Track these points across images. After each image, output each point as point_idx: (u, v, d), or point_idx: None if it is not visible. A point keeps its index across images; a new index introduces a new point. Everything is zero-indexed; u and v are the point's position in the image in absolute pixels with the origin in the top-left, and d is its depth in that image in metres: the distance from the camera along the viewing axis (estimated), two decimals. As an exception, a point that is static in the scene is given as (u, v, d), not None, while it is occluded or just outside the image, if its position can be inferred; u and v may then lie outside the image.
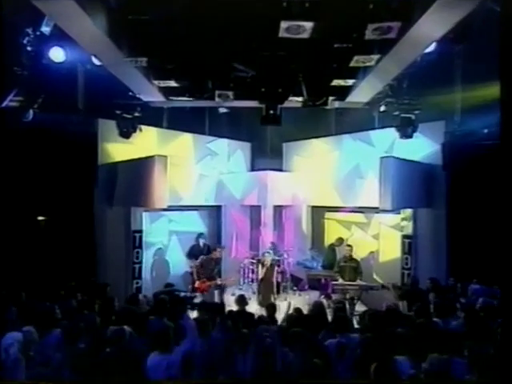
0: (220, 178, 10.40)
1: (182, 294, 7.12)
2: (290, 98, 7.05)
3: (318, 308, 5.49)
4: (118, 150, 8.39)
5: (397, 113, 7.28)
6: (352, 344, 4.16)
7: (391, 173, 7.27)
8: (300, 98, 7.16)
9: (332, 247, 9.29)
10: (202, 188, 9.98)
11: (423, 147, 8.12)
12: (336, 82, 6.84)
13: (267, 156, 10.91)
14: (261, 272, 7.77)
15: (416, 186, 7.62)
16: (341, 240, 9.28)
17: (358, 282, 7.62)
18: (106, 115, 7.95)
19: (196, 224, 10.49)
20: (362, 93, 7.22)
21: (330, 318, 5.42)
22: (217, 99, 7.23)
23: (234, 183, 10.51)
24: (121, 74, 6.52)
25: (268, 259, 7.78)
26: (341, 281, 7.65)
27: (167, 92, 7.41)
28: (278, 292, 8.47)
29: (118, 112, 7.47)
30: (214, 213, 10.76)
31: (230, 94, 7.11)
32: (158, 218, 9.74)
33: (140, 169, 7.86)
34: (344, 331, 4.49)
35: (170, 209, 9.59)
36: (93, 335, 4.22)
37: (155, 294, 6.63)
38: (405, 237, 7.83)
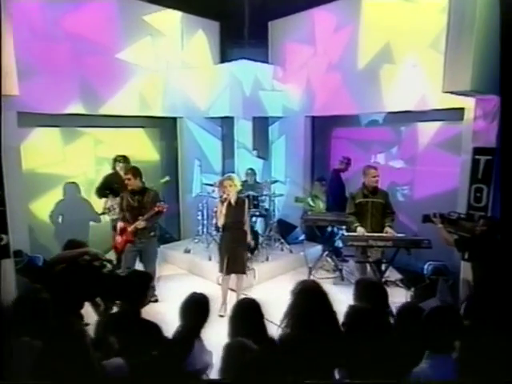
0: (170, 75, 6.76)
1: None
2: None
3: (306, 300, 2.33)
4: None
5: None
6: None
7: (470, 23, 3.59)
8: None
9: (336, 173, 5.93)
10: (140, 89, 6.39)
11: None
12: None
13: (244, 42, 7.15)
14: (221, 212, 4.45)
15: None
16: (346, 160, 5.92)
17: (389, 231, 4.29)
18: None
19: (140, 147, 7.09)
20: None
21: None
22: None
23: (194, 84, 6.90)
24: None
25: (232, 190, 4.41)
26: (359, 230, 4.30)
27: None
28: (255, 249, 5.19)
29: None
30: (167, 130, 7.32)
31: None
32: (77, 138, 6.35)
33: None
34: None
35: (93, 124, 6.28)
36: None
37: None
38: (480, 151, 4.29)
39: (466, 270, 4.31)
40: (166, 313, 4.46)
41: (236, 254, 4.35)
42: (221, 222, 4.35)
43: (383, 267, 4.34)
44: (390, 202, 4.62)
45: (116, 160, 5.77)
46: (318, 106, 6.79)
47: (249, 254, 5.13)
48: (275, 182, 6.36)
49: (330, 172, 6.66)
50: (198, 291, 2.49)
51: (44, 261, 5.12)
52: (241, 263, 4.37)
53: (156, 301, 4.76)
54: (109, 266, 3.17)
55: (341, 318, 2.43)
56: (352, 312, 2.33)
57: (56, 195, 6.12)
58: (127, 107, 6.22)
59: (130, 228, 4.46)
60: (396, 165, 6.53)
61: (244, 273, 4.46)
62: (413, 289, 5.09)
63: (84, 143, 6.44)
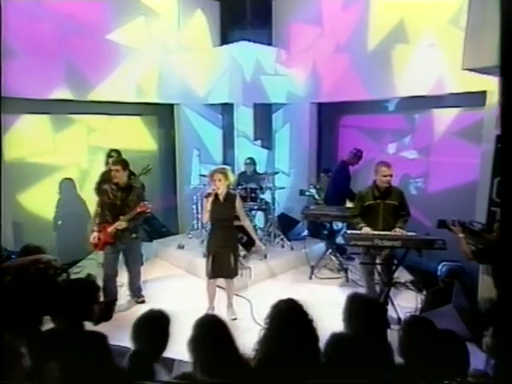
0: (165, 59, 6.31)
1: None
2: None
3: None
4: None
5: None
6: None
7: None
8: None
9: (344, 166, 5.45)
10: (132, 74, 5.97)
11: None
12: None
13: (246, 23, 6.67)
14: (207, 209, 3.89)
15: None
16: (359, 154, 5.43)
17: (399, 230, 3.80)
18: None
19: (136, 136, 6.71)
20: None
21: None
22: None
23: (191, 68, 6.45)
24: None
25: (221, 184, 3.83)
26: (365, 230, 3.81)
27: None
28: (251, 245, 4.76)
29: None
30: (165, 118, 6.91)
31: None
32: (68, 126, 6.00)
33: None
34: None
35: (85, 111, 5.94)
36: None
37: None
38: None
39: (485, 272, 3.83)
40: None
41: (222, 256, 3.88)
42: (205, 218, 3.91)
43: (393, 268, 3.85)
44: (406, 203, 4.02)
45: (109, 155, 5.35)
46: (325, 91, 6.28)
47: (242, 253, 4.73)
48: (276, 173, 5.90)
49: (337, 163, 6.16)
50: (156, 308, 2.05)
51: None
52: (227, 266, 3.88)
53: (143, 302, 4.40)
54: (64, 274, 2.78)
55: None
56: (334, 342, 1.87)
57: (46, 186, 5.79)
58: (119, 93, 5.82)
59: (110, 228, 4.00)
60: (409, 155, 5.99)
61: (231, 277, 4.00)
62: (425, 292, 4.64)
63: (76, 131, 6.08)
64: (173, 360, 2.94)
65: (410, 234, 3.67)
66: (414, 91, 5.27)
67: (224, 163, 7.03)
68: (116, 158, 4.49)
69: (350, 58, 5.86)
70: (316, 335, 1.89)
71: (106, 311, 2.34)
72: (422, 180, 5.91)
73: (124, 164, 4.13)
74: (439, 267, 4.85)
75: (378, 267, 3.92)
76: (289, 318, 1.88)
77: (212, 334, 1.85)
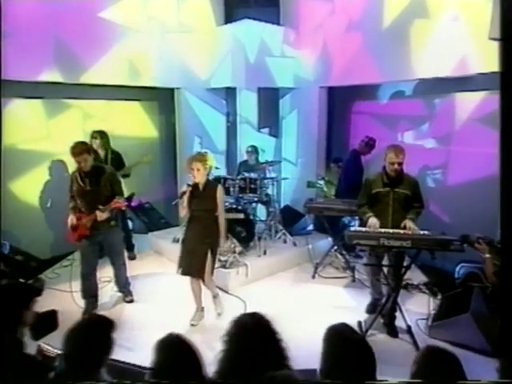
0: (164, 39, 5.91)
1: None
2: None
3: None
4: None
5: None
6: None
7: None
8: None
9: (355, 155, 5.00)
10: (128, 55, 5.60)
11: None
12: None
13: (252, 0, 6.20)
14: (184, 204, 3.46)
15: None
16: (371, 142, 4.97)
17: (410, 226, 3.32)
18: None
19: (135, 123, 6.40)
20: None
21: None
22: None
23: (193, 49, 6.04)
24: None
25: (200, 173, 3.40)
26: (372, 222, 3.36)
27: None
28: (250, 240, 4.33)
29: None
30: (165, 104, 6.56)
31: None
32: (63, 111, 5.71)
33: None
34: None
35: (81, 96, 5.66)
36: None
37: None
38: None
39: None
40: (140, 316, 3.80)
41: (194, 253, 3.44)
42: (183, 213, 3.50)
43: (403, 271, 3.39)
44: (420, 194, 3.54)
45: (92, 137, 4.99)
46: (336, 74, 5.78)
47: (237, 249, 4.35)
48: (279, 162, 5.47)
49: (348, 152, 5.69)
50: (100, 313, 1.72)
51: (10, 248, 4.60)
52: (197, 264, 3.43)
53: (131, 301, 4.09)
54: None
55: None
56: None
57: (39, 174, 5.54)
58: (114, 76, 5.47)
59: (85, 219, 3.61)
60: (427, 144, 5.47)
61: (199, 278, 3.52)
62: (440, 296, 4.17)
63: (71, 117, 5.79)
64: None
65: (422, 232, 3.20)
66: (435, 72, 4.73)
67: (228, 152, 6.66)
68: (80, 145, 3.95)
69: (363, 37, 5.34)
70: (285, 357, 1.52)
71: (49, 320, 2.01)
72: (440, 171, 5.40)
73: (88, 151, 3.71)
74: (457, 269, 4.36)
75: (385, 269, 3.48)
76: (252, 337, 1.50)
77: (174, 359, 1.52)
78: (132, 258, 5.24)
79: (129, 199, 3.81)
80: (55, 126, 5.63)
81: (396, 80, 5.34)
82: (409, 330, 3.50)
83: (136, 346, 3.07)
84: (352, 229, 3.27)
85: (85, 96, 5.72)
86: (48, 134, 5.62)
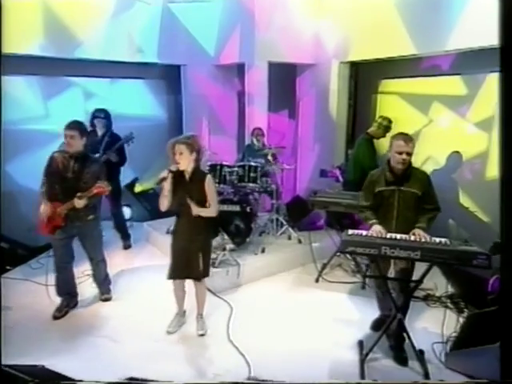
0: (168, 10, 5.37)
1: None
2: None
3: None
4: None
5: None
6: None
7: None
8: None
9: (367, 139, 4.26)
10: (128, 28, 5.13)
11: None
12: None
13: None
14: (165, 193, 2.93)
15: None
16: (386, 124, 4.22)
17: (419, 234, 2.61)
18: None
19: (140, 102, 5.99)
20: None
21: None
22: None
23: (200, 22, 5.48)
24: None
25: (184, 158, 2.92)
26: (375, 229, 2.72)
27: None
28: (246, 236, 3.77)
29: None
30: (172, 82, 6.09)
31: None
32: (63, 89, 5.41)
33: None
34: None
35: (82, 73, 5.35)
36: None
37: None
38: None
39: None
40: (117, 316, 3.41)
41: (188, 253, 2.99)
42: (163, 205, 3.01)
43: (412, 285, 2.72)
44: (433, 192, 2.81)
45: (94, 116, 4.60)
46: (359, 47, 5.01)
47: (227, 246, 3.83)
48: (283, 147, 4.83)
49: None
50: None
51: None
52: (193, 265, 2.99)
53: (106, 300, 3.67)
54: None
55: None
56: None
57: (37, 155, 5.27)
58: (111, 51, 5.07)
59: (60, 208, 3.21)
60: (466, 129, 4.62)
61: (198, 279, 3.08)
62: (466, 313, 3.44)
63: (71, 96, 5.49)
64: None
65: (438, 240, 2.50)
66: (478, 42, 3.87)
67: (239, 136, 6.10)
68: (76, 122, 3.59)
69: (391, 9, 4.52)
70: None
71: None
72: (480, 161, 4.55)
73: (82, 129, 3.33)
74: (491, 281, 3.58)
75: (390, 282, 2.82)
76: None
77: None
78: (126, 247, 4.90)
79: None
80: (54, 105, 5.35)
81: (431, 52, 4.49)
82: (420, 356, 2.84)
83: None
84: (349, 232, 2.63)
85: (84, 73, 5.37)
86: (46, 114, 5.36)
